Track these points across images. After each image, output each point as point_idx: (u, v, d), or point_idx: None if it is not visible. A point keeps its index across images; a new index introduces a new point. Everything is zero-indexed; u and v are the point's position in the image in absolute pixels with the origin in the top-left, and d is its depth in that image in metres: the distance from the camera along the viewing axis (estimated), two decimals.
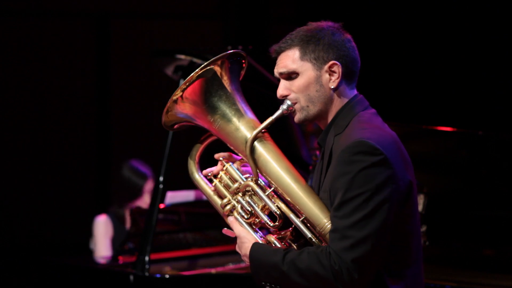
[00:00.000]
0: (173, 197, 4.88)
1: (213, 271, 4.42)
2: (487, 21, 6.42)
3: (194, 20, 8.17)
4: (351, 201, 2.30)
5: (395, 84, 6.71)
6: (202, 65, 2.54)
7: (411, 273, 2.41)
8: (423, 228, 3.99)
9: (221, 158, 2.62)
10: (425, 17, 6.73)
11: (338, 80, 2.46)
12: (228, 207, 2.56)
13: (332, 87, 2.46)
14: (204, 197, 4.97)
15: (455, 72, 6.62)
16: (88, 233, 6.70)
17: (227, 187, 2.58)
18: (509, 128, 6.03)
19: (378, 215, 2.29)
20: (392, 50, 6.76)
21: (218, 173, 2.61)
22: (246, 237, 2.49)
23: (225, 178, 2.58)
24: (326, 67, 2.46)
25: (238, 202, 2.53)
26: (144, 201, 5.30)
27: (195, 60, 4.42)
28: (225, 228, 2.59)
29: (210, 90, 2.55)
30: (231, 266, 4.61)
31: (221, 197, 2.60)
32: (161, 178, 4.38)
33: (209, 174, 2.63)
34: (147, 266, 4.19)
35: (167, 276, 4.19)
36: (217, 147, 2.72)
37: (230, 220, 2.54)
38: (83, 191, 7.91)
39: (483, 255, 4.39)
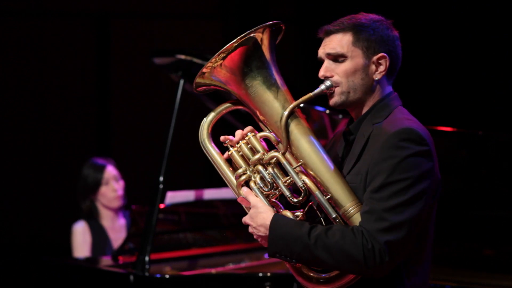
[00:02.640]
0: (173, 197, 4.87)
1: (213, 271, 4.43)
2: (487, 21, 6.42)
3: (194, 20, 8.17)
4: (392, 185, 2.31)
5: (394, 84, 6.70)
6: (244, 34, 2.52)
7: (423, 271, 2.43)
8: None
9: (247, 129, 2.57)
10: (425, 17, 6.73)
11: (383, 73, 2.50)
12: (244, 177, 2.51)
13: (377, 78, 2.50)
14: (204, 197, 4.97)
15: (455, 72, 6.61)
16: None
17: (245, 157, 2.53)
18: (509, 128, 6.03)
19: (416, 203, 2.31)
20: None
21: (237, 142, 2.55)
22: (263, 207, 2.45)
23: (245, 148, 2.53)
24: (375, 58, 2.49)
25: (258, 173, 2.49)
26: (111, 189, 5.23)
27: (195, 60, 4.42)
28: (241, 196, 2.51)
29: (253, 55, 2.53)
30: (231, 266, 4.61)
31: (234, 167, 2.55)
32: (161, 178, 4.38)
33: (227, 142, 2.57)
34: (147, 266, 4.19)
35: (167, 276, 4.19)
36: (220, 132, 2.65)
37: (245, 190, 2.49)
38: None
39: (483, 255, 4.39)
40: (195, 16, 8.18)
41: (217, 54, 2.53)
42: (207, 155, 2.59)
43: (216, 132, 2.63)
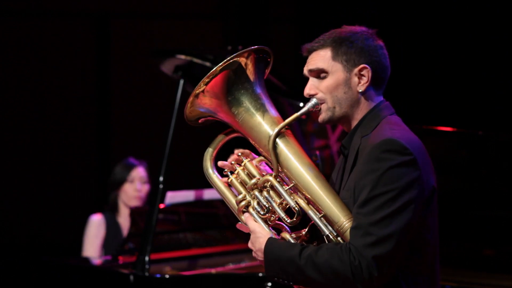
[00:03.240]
0: (173, 197, 4.88)
1: (213, 271, 4.43)
2: (487, 21, 6.42)
3: (194, 20, 8.17)
4: (377, 198, 2.29)
5: (394, 84, 6.70)
6: (228, 58, 2.52)
7: (425, 281, 2.40)
8: None
9: (239, 154, 2.60)
10: (425, 17, 6.73)
11: (366, 84, 2.47)
12: (243, 203, 2.53)
13: (360, 90, 2.47)
14: (204, 197, 4.97)
15: (455, 72, 6.61)
16: None
17: (243, 183, 2.56)
18: (509, 128, 6.03)
19: (403, 215, 2.28)
20: (392, 50, 6.75)
21: (234, 169, 2.59)
22: (261, 232, 2.47)
23: (242, 174, 2.56)
24: (356, 70, 2.47)
25: (255, 197, 2.51)
26: (134, 188, 5.27)
27: (195, 60, 4.43)
28: (239, 223, 2.56)
29: (236, 82, 2.54)
30: (231, 266, 4.61)
31: (235, 193, 2.58)
32: (161, 178, 4.38)
33: (226, 170, 2.61)
34: (147, 266, 4.20)
35: (167, 276, 4.19)
36: (233, 146, 2.69)
37: (245, 216, 2.52)
38: (83, 191, 7.90)
39: (483, 255, 4.39)
40: (195, 16, 8.18)
41: (202, 80, 2.54)
42: (212, 184, 2.64)
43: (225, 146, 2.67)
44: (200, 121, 2.65)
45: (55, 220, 7.75)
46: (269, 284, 3.92)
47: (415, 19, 6.70)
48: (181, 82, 4.46)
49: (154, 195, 4.36)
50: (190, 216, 5.03)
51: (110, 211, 5.29)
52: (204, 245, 4.94)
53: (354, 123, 2.50)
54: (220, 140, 2.65)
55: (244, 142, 2.66)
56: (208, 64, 4.39)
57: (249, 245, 2.51)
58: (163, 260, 4.66)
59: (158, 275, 4.18)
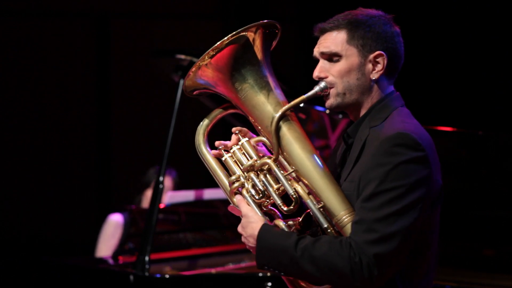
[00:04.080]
0: (173, 197, 4.88)
1: (213, 271, 4.43)
2: (487, 21, 6.42)
3: (194, 20, 8.17)
4: (384, 194, 2.17)
5: (394, 84, 6.70)
6: (235, 32, 2.38)
7: (423, 282, 2.30)
8: None
9: (237, 132, 2.46)
10: (425, 17, 6.73)
11: (381, 72, 2.34)
12: (236, 184, 2.38)
13: (374, 78, 2.34)
14: (204, 197, 4.97)
15: (455, 72, 6.61)
16: (88, 233, 6.70)
17: (238, 163, 2.41)
18: (509, 128, 6.03)
19: (410, 213, 2.16)
20: None
21: (230, 147, 2.44)
22: (254, 217, 2.32)
23: (238, 154, 2.42)
24: (371, 56, 2.33)
25: (250, 180, 2.37)
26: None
27: (195, 60, 4.42)
28: (231, 205, 2.42)
29: (243, 57, 2.40)
30: (231, 266, 4.61)
31: (229, 173, 2.43)
32: (161, 178, 4.38)
33: (221, 147, 2.45)
34: (147, 266, 4.19)
35: (167, 276, 4.19)
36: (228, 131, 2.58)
37: (238, 198, 2.37)
38: (83, 191, 7.91)
39: (483, 255, 4.39)
40: (195, 16, 8.18)
41: (206, 52, 2.40)
42: (203, 161, 2.48)
43: (216, 132, 2.60)
44: (195, 93, 2.49)
45: (55, 220, 7.75)
46: (269, 284, 3.92)
47: (415, 19, 6.69)
48: (181, 82, 4.46)
49: (154, 195, 4.36)
50: (190, 216, 5.03)
51: (130, 212, 5.26)
52: (204, 245, 4.94)
53: (363, 111, 2.36)
54: (217, 114, 2.50)
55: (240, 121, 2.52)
56: None
57: (239, 229, 2.36)
58: (163, 260, 4.66)
59: (158, 275, 4.18)
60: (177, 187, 5.39)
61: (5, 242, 7.65)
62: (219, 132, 2.64)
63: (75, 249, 7.19)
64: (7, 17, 7.67)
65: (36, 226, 7.71)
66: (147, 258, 4.20)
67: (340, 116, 4.57)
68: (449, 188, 4.45)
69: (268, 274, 3.92)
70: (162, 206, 4.52)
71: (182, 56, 4.42)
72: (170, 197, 4.86)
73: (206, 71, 2.43)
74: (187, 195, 4.96)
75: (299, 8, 7.93)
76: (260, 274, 3.95)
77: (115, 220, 5.22)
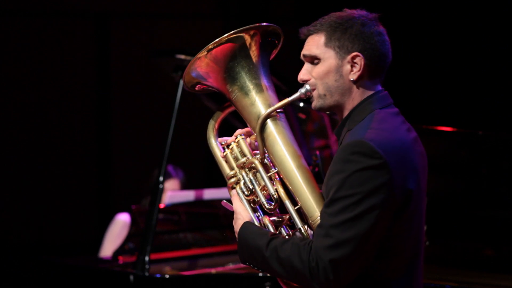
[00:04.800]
0: (173, 197, 4.88)
1: (213, 271, 4.42)
2: (487, 21, 6.42)
3: (194, 20, 8.17)
4: (340, 201, 2.23)
5: (394, 84, 6.70)
6: (233, 31, 2.44)
7: (403, 281, 2.32)
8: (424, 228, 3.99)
9: (238, 131, 2.54)
10: (425, 17, 6.73)
11: (359, 72, 2.37)
12: (233, 179, 2.48)
13: (352, 79, 2.37)
14: (204, 197, 4.98)
15: (455, 72, 6.61)
16: (88, 233, 6.71)
17: (236, 159, 2.51)
18: (509, 128, 6.03)
19: (365, 220, 2.21)
20: (392, 50, 6.75)
21: (230, 144, 2.53)
22: (241, 214, 2.43)
23: (236, 151, 2.50)
24: (348, 57, 2.36)
25: (243, 177, 2.47)
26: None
27: None
28: (224, 201, 2.54)
29: (235, 58, 2.47)
30: (231, 266, 4.61)
31: (230, 167, 2.53)
32: (161, 178, 4.38)
33: (223, 143, 2.55)
34: (147, 266, 4.20)
35: (167, 276, 4.19)
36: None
37: (232, 193, 2.48)
38: (83, 191, 7.91)
39: (483, 255, 4.39)
40: (195, 16, 8.18)
41: (205, 47, 2.46)
42: (212, 153, 2.58)
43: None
44: (196, 88, 2.57)
45: (55, 220, 7.75)
46: (269, 284, 3.92)
47: (415, 19, 6.70)
48: (181, 82, 4.46)
49: (154, 195, 4.36)
50: (190, 216, 5.03)
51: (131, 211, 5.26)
52: (204, 245, 4.94)
53: (346, 113, 2.41)
54: (224, 109, 2.59)
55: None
56: None
57: (233, 224, 2.48)
58: (163, 260, 4.66)
59: (158, 275, 4.18)
60: (184, 187, 5.38)
61: (5, 242, 7.65)
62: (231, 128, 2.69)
63: (75, 250, 7.19)
64: (7, 17, 7.66)
65: (36, 226, 7.71)
66: (147, 258, 4.20)
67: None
68: (449, 188, 4.46)
69: (268, 274, 3.92)
70: (162, 206, 4.51)
71: (182, 56, 4.42)
72: (170, 197, 4.85)
73: (205, 66, 2.49)
74: (187, 195, 4.96)
75: (299, 8, 7.93)
76: (260, 274, 3.96)
77: (123, 219, 5.22)
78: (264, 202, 2.42)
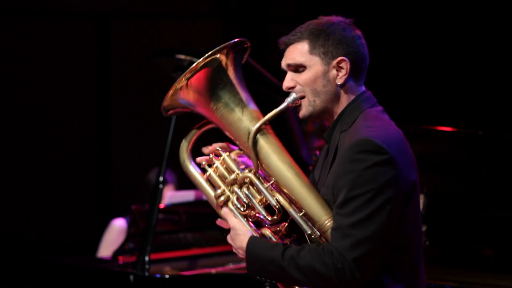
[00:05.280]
0: (173, 197, 4.88)
1: (213, 271, 4.43)
2: (487, 21, 6.42)
3: (194, 20, 8.17)
4: (354, 200, 2.28)
5: (395, 84, 6.70)
6: (206, 55, 2.49)
7: (410, 274, 2.39)
8: (423, 228, 3.99)
9: (218, 148, 2.57)
10: (425, 17, 6.73)
11: (345, 76, 2.44)
12: (222, 198, 2.51)
13: (339, 83, 2.44)
14: (204, 197, 4.97)
15: (455, 72, 6.61)
16: (88, 234, 6.70)
17: (222, 177, 2.53)
18: (509, 128, 6.03)
19: (381, 215, 2.28)
20: (392, 50, 6.75)
21: (213, 163, 2.56)
22: (241, 229, 2.46)
23: (221, 168, 2.53)
24: (334, 62, 2.43)
25: (235, 193, 2.49)
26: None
27: (195, 60, 4.41)
28: (219, 219, 2.55)
29: (215, 78, 2.51)
30: (231, 266, 4.61)
31: (214, 187, 2.56)
32: (161, 178, 4.38)
33: (203, 163, 2.58)
34: (147, 266, 4.20)
35: (167, 276, 4.19)
36: (212, 137, 2.68)
37: (224, 211, 2.51)
38: (83, 191, 7.91)
39: (483, 255, 4.39)
40: (195, 16, 8.18)
41: (183, 74, 2.51)
42: (190, 177, 2.61)
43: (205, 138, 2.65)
44: (169, 112, 2.63)
45: (55, 220, 7.75)
46: (269, 284, 3.92)
47: (415, 19, 6.70)
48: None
49: (154, 195, 4.36)
50: (190, 216, 5.03)
51: (130, 212, 5.25)
52: (204, 245, 4.94)
53: (335, 116, 2.47)
54: (194, 133, 2.63)
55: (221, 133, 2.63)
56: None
57: (229, 240, 2.51)
58: (163, 260, 4.66)
59: (158, 275, 4.18)
60: (178, 188, 5.38)
61: (5, 242, 7.65)
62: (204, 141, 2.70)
63: (75, 250, 7.19)
64: (7, 17, 7.66)
65: (36, 226, 7.71)
66: (147, 258, 4.20)
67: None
68: (449, 188, 4.45)
69: (283, 284, 3.91)
70: (162, 206, 4.51)
71: (182, 56, 4.42)
72: (170, 197, 4.86)
73: (185, 92, 2.54)
74: (187, 195, 4.97)
75: (299, 8, 7.93)
76: None
77: (119, 225, 5.21)
78: (264, 214, 2.45)
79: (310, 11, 7.43)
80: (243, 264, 4.74)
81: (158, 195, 4.34)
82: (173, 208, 4.91)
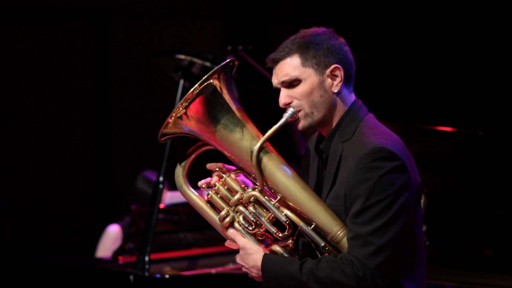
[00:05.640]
0: (173, 197, 4.88)
1: (213, 271, 4.43)
2: (487, 21, 6.42)
3: (194, 20, 8.17)
4: (372, 208, 2.30)
5: (395, 84, 6.70)
6: (199, 82, 2.48)
7: (420, 274, 2.43)
8: (423, 228, 3.99)
9: (217, 169, 2.57)
10: (425, 16, 6.73)
11: (340, 83, 2.45)
12: (228, 219, 2.49)
13: (335, 91, 2.45)
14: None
15: (455, 72, 6.61)
16: (88, 233, 6.69)
17: (225, 198, 2.52)
18: (509, 128, 6.03)
19: (399, 220, 2.31)
20: (392, 50, 6.75)
21: (214, 185, 2.54)
22: (252, 248, 2.45)
23: (223, 190, 2.52)
24: (328, 71, 2.44)
25: (240, 213, 2.48)
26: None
27: (195, 60, 4.43)
28: (228, 241, 2.54)
29: (211, 102, 2.50)
30: (231, 266, 4.61)
31: (216, 209, 2.54)
32: (161, 178, 4.38)
33: (204, 186, 2.57)
34: (147, 266, 4.20)
35: (167, 276, 4.19)
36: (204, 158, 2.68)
37: (231, 232, 2.49)
38: (83, 191, 7.91)
39: (483, 255, 4.39)
40: (195, 16, 8.18)
41: (180, 103, 2.50)
42: (189, 201, 2.59)
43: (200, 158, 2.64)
44: (163, 138, 2.61)
45: (55, 220, 7.75)
46: None
47: (415, 19, 6.69)
48: (181, 82, 4.46)
49: (154, 195, 4.36)
50: (190, 216, 5.03)
51: (129, 213, 5.24)
52: (204, 245, 4.94)
53: (333, 125, 2.47)
54: (189, 157, 2.61)
55: (215, 154, 2.63)
56: (208, 64, 4.39)
57: (238, 260, 2.50)
58: (163, 260, 4.66)
59: (158, 275, 4.18)
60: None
61: (5, 242, 7.65)
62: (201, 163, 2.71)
63: (75, 250, 7.18)
64: (7, 17, 7.66)
65: (36, 226, 7.71)
66: (147, 258, 4.20)
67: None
68: (450, 188, 4.45)
69: None
70: (162, 206, 4.51)
71: (182, 56, 4.42)
72: (170, 197, 4.86)
73: (183, 120, 2.53)
74: None
75: (299, 8, 7.92)
76: None
77: (114, 231, 5.21)
78: (275, 231, 2.44)
79: (310, 11, 7.43)
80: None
81: (158, 195, 4.34)
82: (173, 208, 4.91)
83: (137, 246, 4.52)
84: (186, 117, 2.52)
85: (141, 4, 8.04)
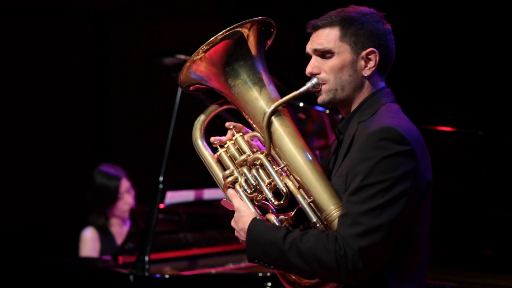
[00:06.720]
0: (173, 197, 4.87)
1: (213, 271, 4.42)
2: (487, 21, 6.42)
3: (194, 20, 8.17)
4: (369, 187, 2.20)
5: (394, 84, 6.70)
6: (230, 27, 2.42)
7: (414, 276, 2.32)
8: None
9: (231, 127, 2.50)
10: (425, 16, 6.73)
11: (373, 68, 2.38)
12: (230, 178, 2.43)
13: (366, 74, 2.38)
14: (204, 197, 4.97)
15: (455, 72, 6.61)
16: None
17: (232, 158, 2.45)
18: (509, 128, 6.03)
19: (395, 206, 2.19)
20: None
21: (225, 143, 2.48)
22: (245, 211, 2.37)
23: (232, 149, 2.45)
24: (363, 53, 2.37)
25: (243, 174, 2.41)
26: (125, 202, 5.25)
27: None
28: (224, 199, 2.47)
29: (236, 53, 2.43)
30: (231, 266, 4.61)
31: (223, 168, 2.47)
32: (161, 178, 4.38)
33: (216, 142, 2.49)
34: (147, 266, 4.19)
35: (167, 276, 4.19)
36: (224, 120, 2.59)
37: (230, 192, 2.42)
38: (83, 191, 7.90)
39: (483, 255, 4.39)
40: (195, 16, 8.18)
41: (201, 46, 2.44)
42: (200, 156, 2.52)
43: (215, 128, 2.61)
44: (191, 88, 2.54)
45: (55, 220, 7.75)
46: (269, 284, 3.92)
47: (415, 19, 6.69)
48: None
49: (154, 195, 4.36)
50: (190, 216, 5.03)
51: (102, 224, 5.24)
52: (204, 245, 4.94)
53: (354, 107, 2.40)
54: (213, 110, 2.55)
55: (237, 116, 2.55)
56: None
57: (232, 223, 2.42)
58: (163, 260, 4.66)
59: (158, 275, 4.18)
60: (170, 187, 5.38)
61: (5, 242, 7.64)
62: (218, 128, 2.66)
63: (75, 250, 7.18)
64: (7, 17, 7.66)
65: (36, 226, 7.71)
66: (147, 258, 4.20)
67: (340, 116, 4.57)
68: (450, 188, 4.46)
69: (268, 274, 3.92)
70: (162, 206, 4.51)
71: (183, 56, 4.42)
72: (170, 197, 4.86)
73: (200, 66, 2.46)
74: (187, 195, 4.96)
75: (299, 8, 7.93)
76: (260, 274, 3.95)
77: (90, 234, 5.22)
78: (271, 198, 2.37)
79: (310, 11, 7.43)
80: (243, 264, 4.75)
81: (158, 195, 4.34)
82: (173, 208, 4.91)
83: (137, 246, 4.52)
84: (205, 62, 2.45)
85: (141, 4, 8.04)
